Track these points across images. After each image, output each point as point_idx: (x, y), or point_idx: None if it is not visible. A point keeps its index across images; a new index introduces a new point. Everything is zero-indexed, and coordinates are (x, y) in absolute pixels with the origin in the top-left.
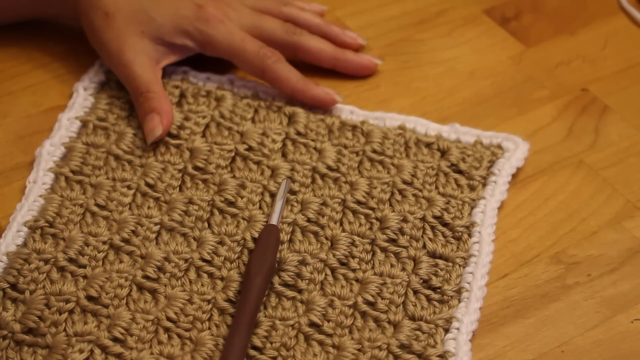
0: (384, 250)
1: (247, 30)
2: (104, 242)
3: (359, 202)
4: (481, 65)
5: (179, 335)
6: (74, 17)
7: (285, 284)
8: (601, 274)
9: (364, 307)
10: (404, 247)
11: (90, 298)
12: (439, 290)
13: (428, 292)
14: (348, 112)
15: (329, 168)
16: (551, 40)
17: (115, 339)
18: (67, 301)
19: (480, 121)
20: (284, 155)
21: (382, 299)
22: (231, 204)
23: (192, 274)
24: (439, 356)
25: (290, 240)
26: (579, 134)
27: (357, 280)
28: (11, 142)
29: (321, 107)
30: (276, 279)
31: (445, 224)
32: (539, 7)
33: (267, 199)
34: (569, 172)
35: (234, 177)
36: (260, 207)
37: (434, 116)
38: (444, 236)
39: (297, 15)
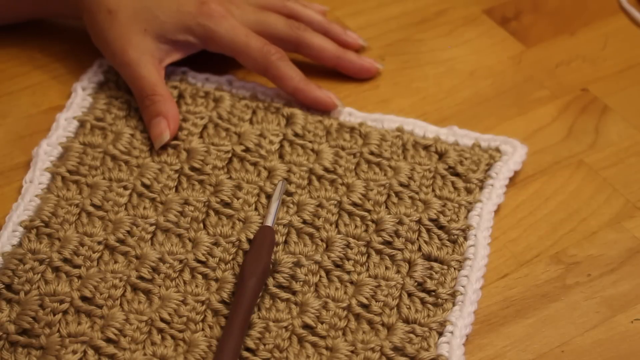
0: (379, 252)
1: (250, 27)
2: (99, 243)
3: (355, 204)
4: (481, 65)
5: (173, 336)
6: (76, 15)
7: (280, 286)
8: (601, 274)
9: (358, 310)
10: (399, 249)
11: (84, 298)
12: (433, 293)
13: (422, 295)
14: (346, 113)
15: (326, 170)
16: (551, 40)
17: (109, 340)
18: (61, 302)
19: (480, 121)
20: (281, 156)
21: (376, 301)
22: (227, 205)
23: (187, 275)
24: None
25: (286, 242)
26: (579, 134)
27: (351, 282)
28: (11, 142)
29: (321, 110)
30: (270, 281)
31: (441, 227)
32: (539, 7)
33: (263, 200)
34: (569, 172)
35: (230, 178)
36: (256, 209)
37: (434, 116)
38: (440, 239)
39: (300, 12)
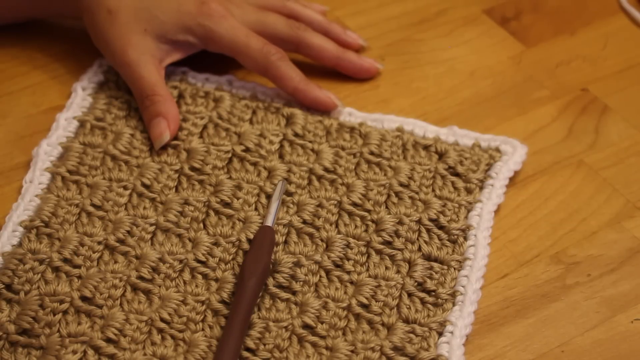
0: (379, 252)
1: (250, 27)
2: (99, 243)
3: (355, 204)
4: (481, 65)
5: (173, 336)
6: (76, 15)
7: (280, 286)
8: (601, 274)
9: (358, 309)
10: (399, 249)
11: (84, 298)
12: (433, 293)
13: (422, 295)
14: (346, 113)
15: (326, 170)
16: (551, 40)
17: (109, 340)
18: (61, 302)
19: (480, 121)
20: (281, 156)
21: (376, 301)
22: (227, 205)
23: (187, 275)
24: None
25: (286, 242)
26: (579, 134)
27: (351, 282)
28: (11, 142)
29: (321, 110)
30: (270, 281)
31: (441, 227)
32: (539, 7)
33: (263, 200)
34: (569, 172)
35: (230, 178)
36: (256, 209)
37: (434, 116)
38: (440, 239)
39: (300, 12)
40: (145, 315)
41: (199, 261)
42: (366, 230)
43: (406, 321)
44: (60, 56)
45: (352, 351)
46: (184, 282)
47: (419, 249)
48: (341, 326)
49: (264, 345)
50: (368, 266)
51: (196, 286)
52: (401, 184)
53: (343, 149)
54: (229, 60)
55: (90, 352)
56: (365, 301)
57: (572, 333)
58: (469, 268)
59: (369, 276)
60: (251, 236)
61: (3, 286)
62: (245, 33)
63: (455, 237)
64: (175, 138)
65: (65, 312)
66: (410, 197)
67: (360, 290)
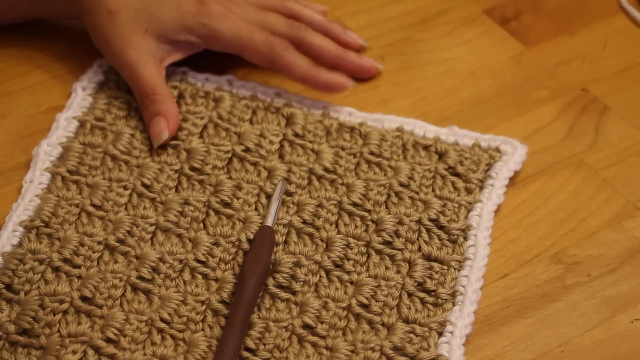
0: (379, 252)
1: None
2: (99, 243)
3: (355, 204)
4: (481, 65)
5: (173, 336)
6: (76, 15)
7: (280, 286)
8: (601, 274)
9: (358, 309)
10: (399, 249)
11: (84, 298)
12: (433, 293)
13: (422, 295)
14: (346, 113)
15: (326, 170)
16: (551, 40)
17: (109, 340)
18: (61, 302)
19: (480, 121)
20: (281, 156)
21: (376, 301)
22: (227, 205)
23: (187, 275)
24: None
25: (286, 242)
26: (579, 134)
27: (351, 282)
28: (11, 142)
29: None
30: (270, 281)
31: (441, 227)
32: (539, 7)
33: (263, 200)
34: (569, 172)
35: (230, 178)
36: (256, 209)
37: (434, 116)
38: (440, 239)
39: (300, 12)
40: (145, 315)
41: (199, 261)
42: (366, 230)
43: (406, 321)
44: (60, 56)
45: (352, 351)
46: (184, 282)
47: (419, 249)
48: (341, 326)
49: (264, 345)
50: (368, 266)
51: (196, 286)
52: (401, 184)
53: (343, 149)
54: (229, 60)
55: (90, 352)
56: (365, 301)
57: (572, 333)
58: (469, 268)
59: (369, 276)
60: (251, 236)
61: (3, 286)
62: (248, 27)
63: (455, 237)
64: (175, 138)
65: (65, 312)
66: (410, 197)
67: (360, 290)
